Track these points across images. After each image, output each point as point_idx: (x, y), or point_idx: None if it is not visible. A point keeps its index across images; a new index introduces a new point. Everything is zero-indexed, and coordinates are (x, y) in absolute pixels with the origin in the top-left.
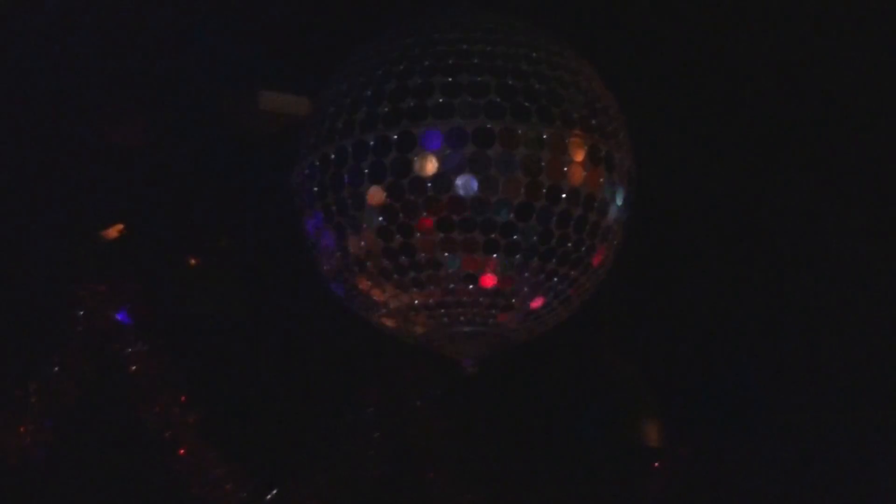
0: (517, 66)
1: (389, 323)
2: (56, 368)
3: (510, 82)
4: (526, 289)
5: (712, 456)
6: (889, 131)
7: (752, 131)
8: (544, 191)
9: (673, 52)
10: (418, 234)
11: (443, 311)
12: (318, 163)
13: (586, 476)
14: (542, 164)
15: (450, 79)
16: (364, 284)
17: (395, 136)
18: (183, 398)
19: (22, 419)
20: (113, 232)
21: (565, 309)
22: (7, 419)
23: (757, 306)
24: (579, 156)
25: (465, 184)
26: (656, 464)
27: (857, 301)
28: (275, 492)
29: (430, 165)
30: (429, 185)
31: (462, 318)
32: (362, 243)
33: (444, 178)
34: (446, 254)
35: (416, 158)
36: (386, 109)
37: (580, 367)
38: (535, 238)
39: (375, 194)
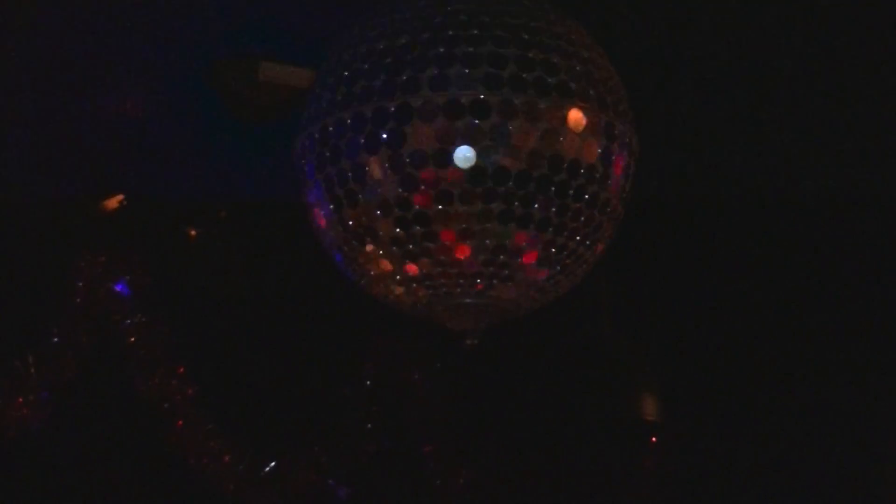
0: (515, 36)
1: (389, 294)
2: (55, 340)
3: (508, 53)
4: (526, 260)
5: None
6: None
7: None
8: (542, 161)
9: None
10: (417, 207)
11: (442, 282)
12: (317, 135)
13: (583, 451)
14: (540, 134)
15: (447, 50)
16: (363, 257)
17: (393, 108)
18: (181, 370)
19: (20, 390)
20: (113, 202)
21: (567, 281)
22: (6, 390)
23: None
24: (577, 127)
25: (462, 155)
26: (654, 439)
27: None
28: (273, 464)
29: (428, 138)
30: (427, 156)
31: (462, 290)
32: (361, 216)
33: (441, 150)
34: (445, 225)
35: (411, 130)
36: (383, 81)
37: (578, 342)
38: (534, 208)
39: (374, 166)
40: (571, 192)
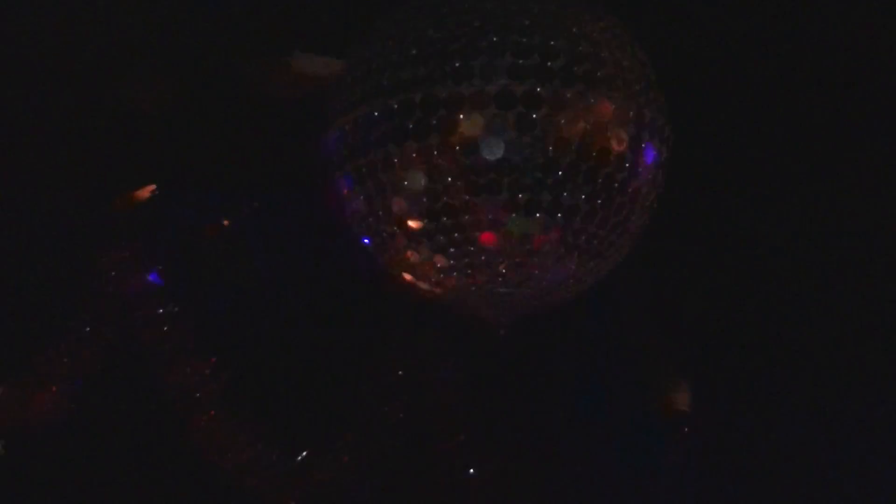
0: (541, 27)
1: (418, 284)
2: (86, 330)
3: (533, 43)
4: (557, 249)
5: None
6: None
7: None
8: (570, 150)
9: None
10: (446, 198)
11: (470, 272)
12: (347, 126)
13: (604, 448)
14: (567, 123)
15: (474, 41)
16: (395, 246)
17: (420, 99)
18: (212, 361)
19: (51, 380)
20: (144, 193)
21: (597, 269)
22: (35, 381)
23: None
24: (605, 115)
25: (490, 146)
26: (685, 428)
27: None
28: (304, 454)
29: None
30: (456, 147)
31: (491, 280)
32: (393, 206)
33: (469, 140)
34: (474, 215)
35: (439, 120)
36: (411, 72)
37: (608, 332)
38: (563, 197)
39: (404, 157)
40: (600, 180)
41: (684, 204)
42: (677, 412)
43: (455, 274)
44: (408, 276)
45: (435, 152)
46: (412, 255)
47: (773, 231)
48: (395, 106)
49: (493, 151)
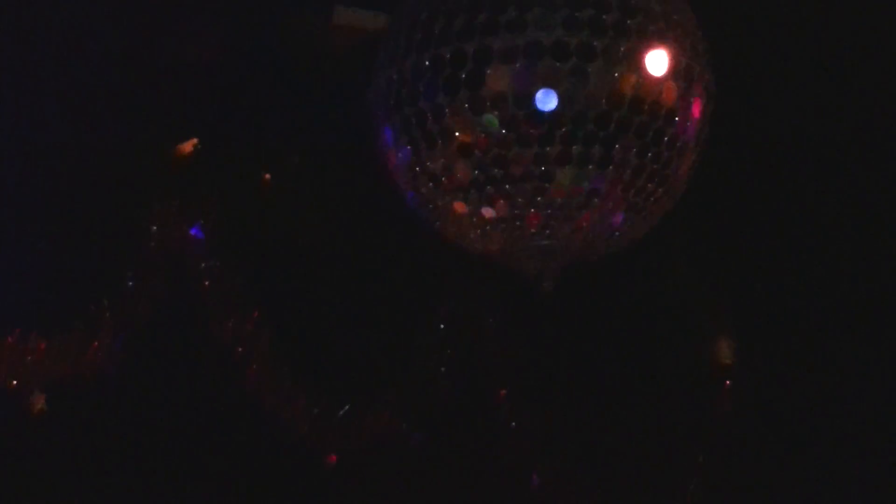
0: None
1: (466, 237)
2: (129, 284)
3: None
4: (604, 202)
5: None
6: None
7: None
8: (622, 104)
9: None
10: (495, 149)
11: (519, 224)
12: (394, 76)
13: (658, 396)
14: (619, 76)
15: None
16: (440, 199)
17: (472, 51)
18: (255, 314)
19: (96, 335)
20: (187, 146)
21: (644, 223)
22: (82, 335)
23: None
24: (656, 69)
25: (543, 98)
26: (728, 382)
27: None
28: (347, 408)
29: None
30: (508, 99)
31: (539, 232)
32: (439, 158)
33: (522, 92)
34: (524, 168)
35: (491, 72)
36: (462, 23)
37: (653, 285)
38: (613, 150)
39: (452, 109)
40: (650, 133)
41: (728, 158)
42: (722, 366)
43: (502, 227)
44: (454, 230)
45: (487, 103)
46: (459, 207)
47: (820, 183)
48: (448, 56)
49: (547, 103)
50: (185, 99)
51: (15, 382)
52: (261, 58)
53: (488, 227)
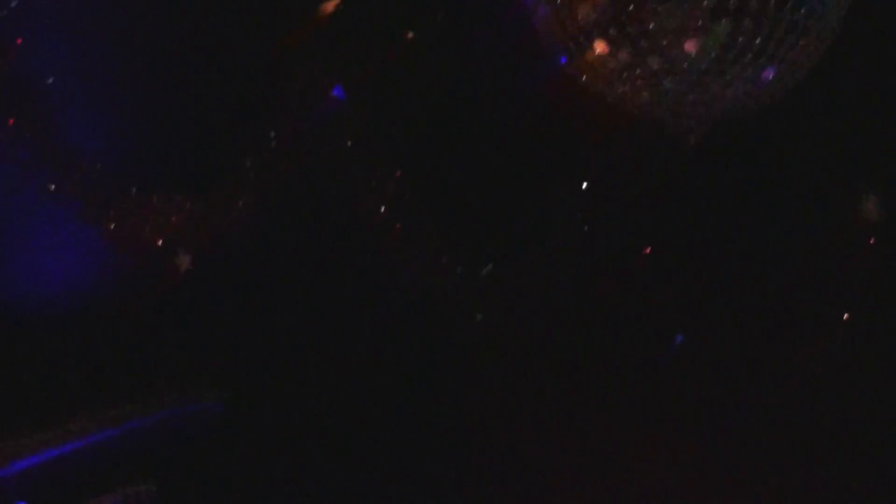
0: None
1: (612, 92)
2: (272, 144)
3: None
4: (750, 56)
5: None
6: None
7: None
8: None
9: None
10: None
11: (666, 77)
12: None
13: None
14: None
15: None
16: (587, 54)
17: None
18: (398, 173)
19: (240, 194)
20: (330, 6)
21: (789, 77)
22: (225, 194)
23: None
24: None
25: None
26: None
27: None
28: (490, 266)
29: None
30: None
31: (686, 87)
32: (586, 12)
33: None
34: (671, 20)
35: None
36: None
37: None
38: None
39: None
40: None
41: None
42: (866, 222)
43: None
44: (600, 85)
45: None
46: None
47: None
48: None
49: None
50: None
51: (161, 242)
52: None
53: (637, 81)
